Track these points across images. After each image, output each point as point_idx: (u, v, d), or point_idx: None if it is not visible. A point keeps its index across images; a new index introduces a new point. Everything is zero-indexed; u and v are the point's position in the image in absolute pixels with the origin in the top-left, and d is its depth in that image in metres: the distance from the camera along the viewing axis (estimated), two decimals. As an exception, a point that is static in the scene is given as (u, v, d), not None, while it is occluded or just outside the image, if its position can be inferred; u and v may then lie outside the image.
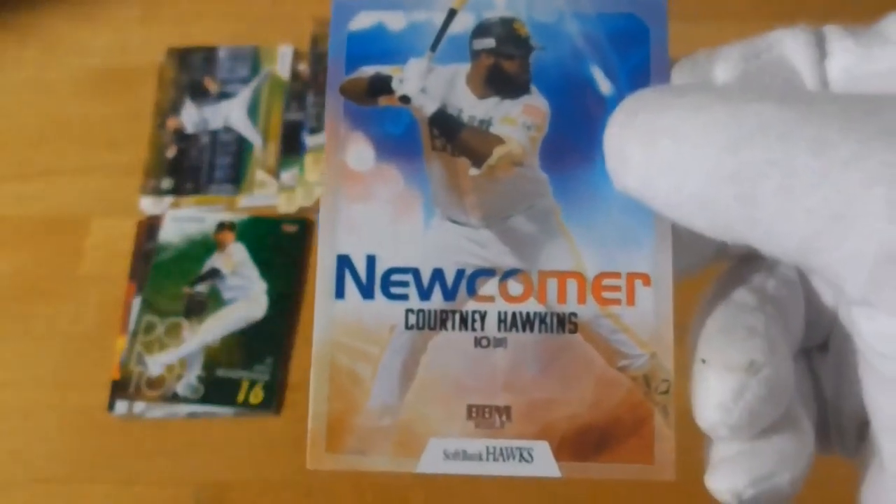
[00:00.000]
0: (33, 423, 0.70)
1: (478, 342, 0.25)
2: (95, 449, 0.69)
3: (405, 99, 0.26)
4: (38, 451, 0.69)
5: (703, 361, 0.22)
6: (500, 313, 0.25)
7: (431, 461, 0.25)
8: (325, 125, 0.26)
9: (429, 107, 0.26)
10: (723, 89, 0.22)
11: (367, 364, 0.26)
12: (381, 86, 0.26)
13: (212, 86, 0.89)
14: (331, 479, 0.68)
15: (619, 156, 0.20)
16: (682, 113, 0.19)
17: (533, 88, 0.26)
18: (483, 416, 0.25)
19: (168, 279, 0.76)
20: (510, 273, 0.25)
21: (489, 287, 0.26)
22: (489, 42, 0.26)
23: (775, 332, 0.22)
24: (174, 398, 0.70)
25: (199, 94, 0.88)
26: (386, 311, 0.26)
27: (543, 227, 0.25)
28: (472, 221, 0.26)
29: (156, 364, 0.72)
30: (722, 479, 0.23)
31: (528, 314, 0.25)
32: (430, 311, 0.26)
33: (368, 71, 0.26)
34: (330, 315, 0.26)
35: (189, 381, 0.71)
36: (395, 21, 0.26)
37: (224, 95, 0.88)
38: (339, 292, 0.26)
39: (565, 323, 0.25)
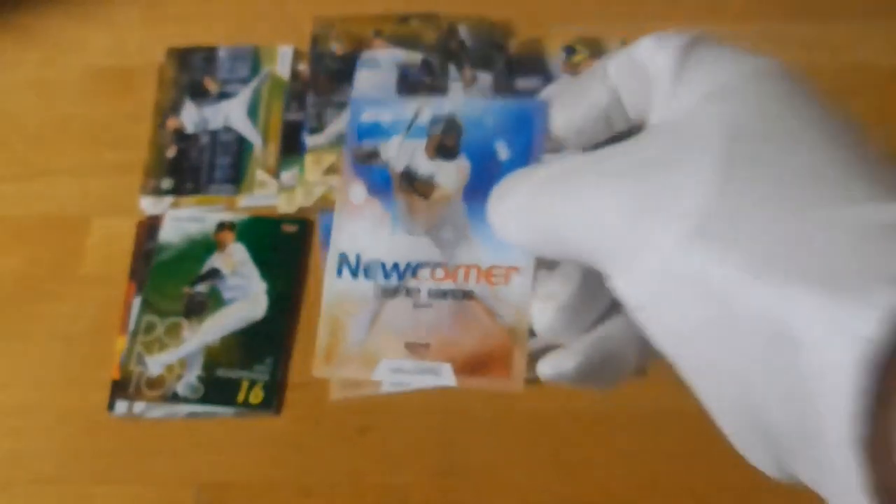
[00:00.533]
0: (33, 423, 0.70)
1: (415, 305, 0.44)
2: (95, 449, 0.69)
3: (386, 161, 0.46)
4: (38, 451, 0.69)
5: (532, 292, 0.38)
6: (429, 289, 0.44)
7: (380, 372, 0.43)
8: (342, 173, 0.46)
9: (399, 166, 0.46)
10: (543, 174, 0.37)
11: (349, 316, 0.45)
12: (373, 154, 0.46)
13: (212, 86, 0.89)
14: (331, 479, 0.68)
15: (489, 216, 0.39)
16: (515, 191, 0.38)
17: (461, 155, 0.45)
18: (413, 349, 0.44)
19: (168, 279, 0.76)
20: (437, 264, 0.44)
21: (424, 273, 0.44)
22: (438, 128, 0.46)
23: (577, 275, 0.35)
24: (174, 398, 0.70)
25: (199, 94, 0.88)
26: (363, 286, 0.45)
27: (459, 236, 0.44)
28: (419, 233, 0.45)
29: (156, 364, 0.72)
30: (540, 364, 0.37)
31: (446, 290, 0.44)
32: (388, 287, 0.44)
33: (368, 144, 0.46)
34: (332, 287, 0.45)
35: (189, 381, 0.71)
36: (385, 116, 0.47)
37: (224, 95, 0.88)
38: (339, 273, 0.46)
39: (468, 295, 0.43)
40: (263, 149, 0.84)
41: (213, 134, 0.85)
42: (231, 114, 0.86)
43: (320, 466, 0.68)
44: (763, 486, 0.69)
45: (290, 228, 0.80)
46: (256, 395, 0.70)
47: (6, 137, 0.86)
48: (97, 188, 0.82)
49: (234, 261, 0.77)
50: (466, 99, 0.54)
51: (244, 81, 0.89)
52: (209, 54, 0.91)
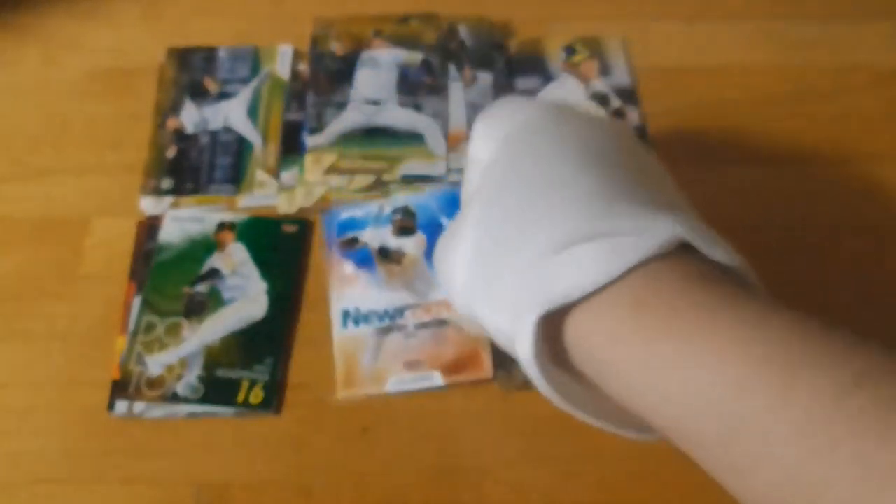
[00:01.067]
0: (33, 423, 0.70)
1: (406, 336, 0.69)
2: (95, 449, 0.69)
3: (365, 244, 0.74)
4: (38, 451, 0.69)
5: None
6: (414, 324, 0.70)
7: (389, 386, 0.68)
8: (328, 259, 0.75)
9: (375, 245, 0.74)
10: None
11: (359, 351, 0.70)
12: (354, 240, 0.75)
13: (212, 86, 0.89)
14: (331, 479, 0.68)
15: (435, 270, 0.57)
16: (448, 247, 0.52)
17: (419, 231, 0.74)
18: (410, 365, 0.69)
19: (168, 279, 0.76)
20: (417, 306, 0.70)
21: (409, 313, 0.70)
22: (398, 214, 0.75)
23: None
24: (174, 398, 0.70)
25: (199, 94, 0.88)
26: (365, 330, 0.70)
27: (428, 285, 0.71)
28: (399, 288, 0.72)
29: (156, 364, 0.72)
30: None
31: (427, 322, 0.70)
32: (384, 327, 0.70)
33: (349, 235, 0.75)
34: (340, 334, 0.71)
35: (189, 381, 0.71)
36: (358, 213, 0.76)
37: (224, 95, 0.88)
38: (344, 325, 0.71)
39: (443, 323, 0.70)
40: (263, 149, 0.84)
41: (213, 134, 0.85)
42: (231, 114, 0.86)
43: (320, 466, 0.68)
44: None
45: (290, 228, 0.80)
46: (256, 395, 0.70)
47: (6, 137, 0.86)
48: (97, 188, 0.82)
49: (234, 261, 0.77)
50: (414, 194, 0.79)
51: (244, 81, 0.89)
52: (209, 54, 0.91)
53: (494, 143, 0.50)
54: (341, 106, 0.86)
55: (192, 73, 0.90)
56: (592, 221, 0.41)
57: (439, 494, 0.67)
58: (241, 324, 0.74)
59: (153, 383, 0.71)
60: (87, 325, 0.74)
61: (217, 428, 0.70)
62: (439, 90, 0.87)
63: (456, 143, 0.84)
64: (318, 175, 0.82)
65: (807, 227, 0.79)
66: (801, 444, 0.33)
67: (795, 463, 0.33)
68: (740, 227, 0.82)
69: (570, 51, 0.91)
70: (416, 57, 0.89)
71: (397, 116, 0.85)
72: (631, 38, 0.93)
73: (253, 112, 0.87)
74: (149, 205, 0.81)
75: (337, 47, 0.90)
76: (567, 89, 0.88)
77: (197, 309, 0.74)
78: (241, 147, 0.84)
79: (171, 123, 0.86)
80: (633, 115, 0.86)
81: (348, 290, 0.75)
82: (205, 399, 0.70)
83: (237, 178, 0.82)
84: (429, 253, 0.75)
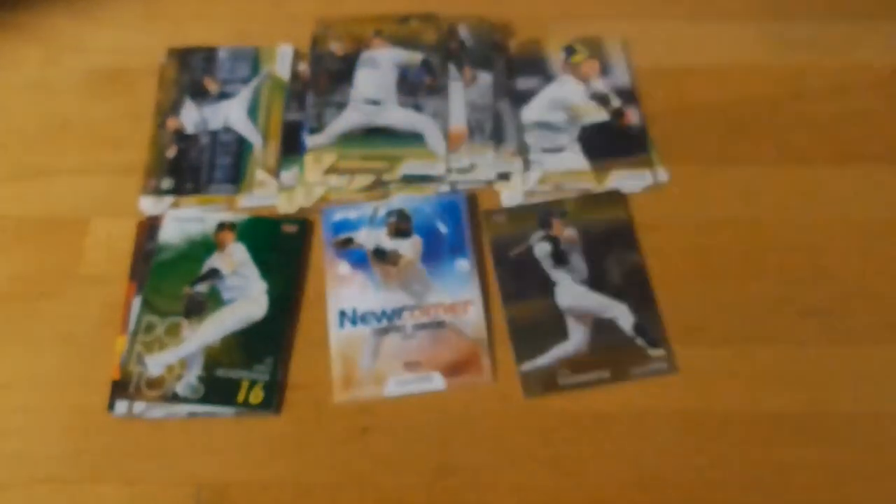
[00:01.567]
0: (33, 423, 0.70)
1: (404, 337, 0.74)
2: (95, 449, 0.69)
3: (359, 245, 0.79)
4: (38, 451, 0.69)
5: None
6: (412, 325, 0.74)
7: (389, 388, 0.71)
8: (325, 258, 0.78)
9: (370, 246, 0.79)
10: None
11: (357, 352, 0.73)
12: (348, 241, 0.79)
13: (212, 86, 0.88)
14: (331, 479, 0.68)
15: None
16: None
17: (414, 234, 0.79)
18: (410, 366, 0.72)
19: (168, 279, 0.76)
20: (414, 307, 0.75)
21: (406, 314, 0.75)
22: (394, 217, 0.80)
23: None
24: (174, 398, 0.70)
25: (199, 94, 0.88)
26: (363, 331, 0.74)
27: (425, 287, 0.76)
28: (395, 289, 0.76)
29: (156, 364, 0.71)
30: None
31: (424, 323, 0.74)
32: (382, 328, 0.74)
33: (343, 235, 0.80)
34: (337, 335, 0.74)
35: (189, 381, 0.71)
36: (351, 214, 0.81)
37: (224, 95, 0.88)
38: (341, 326, 0.74)
39: (440, 324, 0.74)
40: (263, 149, 0.84)
41: (213, 134, 0.85)
42: (231, 114, 0.86)
43: (320, 466, 0.68)
44: (760, 486, 0.69)
45: (290, 228, 0.80)
46: (256, 395, 0.70)
47: (6, 137, 0.86)
48: (97, 188, 0.82)
49: (234, 261, 0.77)
50: (409, 198, 0.81)
51: (244, 81, 0.89)
52: (209, 54, 0.91)
53: None
54: (341, 106, 0.86)
55: (192, 73, 0.90)
56: None
57: (439, 494, 0.67)
58: (241, 324, 0.74)
59: (153, 383, 0.71)
60: (88, 325, 0.74)
61: (217, 428, 0.70)
62: (439, 90, 0.87)
63: (456, 142, 0.84)
64: (318, 175, 0.82)
65: (806, 227, 0.79)
66: None
67: None
68: (740, 227, 0.82)
69: (570, 51, 0.91)
70: (416, 57, 0.89)
71: (397, 116, 0.85)
72: (631, 38, 0.93)
73: (253, 112, 0.87)
74: (149, 205, 0.81)
75: (337, 47, 0.90)
76: (567, 89, 0.88)
77: (197, 309, 0.74)
78: (241, 147, 0.84)
79: (171, 123, 0.86)
80: (633, 115, 0.86)
81: (344, 290, 0.76)
82: (205, 399, 0.70)
83: (237, 178, 0.82)
84: (426, 256, 0.77)
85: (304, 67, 0.90)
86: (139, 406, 0.70)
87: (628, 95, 0.87)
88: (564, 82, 0.89)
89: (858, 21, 0.94)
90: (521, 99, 0.87)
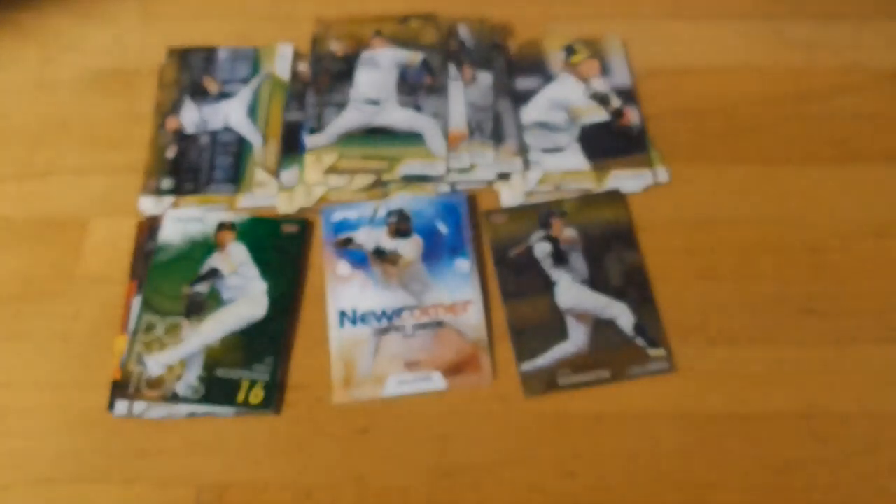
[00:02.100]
0: (33, 423, 0.70)
1: (404, 337, 0.73)
2: (95, 449, 0.69)
3: (359, 245, 0.79)
4: (38, 451, 0.69)
5: None
6: (412, 324, 0.74)
7: (389, 388, 0.71)
8: (325, 258, 0.78)
9: (369, 247, 0.78)
10: None
11: (357, 352, 0.73)
12: (348, 241, 0.79)
13: (212, 86, 0.88)
14: (331, 479, 0.68)
15: None
16: None
17: (414, 234, 0.78)
18: (410, 365, 0.72)
19: (168, 279, 0.76)
20: (414, 307, 0.75)
21: (406, 314, 0.75)
22: (394, 217, 0.79)
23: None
24: (174, 398, 0.70)
25: (199, 94, 0.88)
26: (363, 330, 0.74)
27: (425, 286, 0.76)
28: (395, 289, 0.76)
29: (156, 364, 0.72)
30: None
31: (424, 323, 0.74)
32: (381, 328, 0.74)
33: (343, 235, 0.79)
34: (337, 335, 0.74)
35: (189, 381, 0.71)
36: (351, 214, 0.80)
37: (224, 95, 0.88)
38: (341, 325, 0.74)
39: (440, 324, 0.74)
40: (263, 149, 0.84)
41: (213, 134, 0.85)
42: (231, 114, 0.86)
43: (320, 466, 0.68)
44: (761, 486, 0.69)
45: (290, 228, 0.80)
46: (256, 395, 0.70)
47: (6, 137, 0.86)
48: (97, 188, 0.82)
49: (234, 261, 0.77)
50: (409, 198, 0.81)
51: (244, 81, 0.89)
52: (209, 54, 0.91)
53: None
54: (341, 106, 0.86)
55: (192, 73, 0.90)
56: None
57: (439, 494, 0.67)
58: (241, 324, 0.74)
59: (153, 383, 0.71)
60: (87, 325, 0.74)
61: (217, 428, 0.70)
62: (439, 90, 0.87)
63: (456, 142, 0.84)
64: (318, 175, 0.82)
65: (806, 227, 0.79)
66: None
67: None
68: (740, 226, 0.82)
69: (570, 51, 0.91)
70: (416, 57, 0.89)
71: (397, 116, 0.85)
72: (631, 38, 0.93)
73: (253, 112, 0.87)
74: (149, 205, 0.81)
75: (337, 47, 0.90)
76: (567, 89, 0.88)
77: (197, 309, 0.74)
78: (241, 147, 0.84)
79: (171, 123, 0.86)
80: (632, 115, 0.86)
81: (344, 290, 0.76)
82: (205, 399, 0.70)
83: (237, 177, 0.82)
84: (426, 256, 0.77)
85: (304, 67, 0.90)
86: (139, 406, 0.70)
87: (628, 95, 0.87)
88: (564, 82, 0.89)
89: (858, 21, 0.94)
90: (521, 99, 0.87)
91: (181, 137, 0.85)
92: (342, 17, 0.93)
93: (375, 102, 0.86)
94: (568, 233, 0.78)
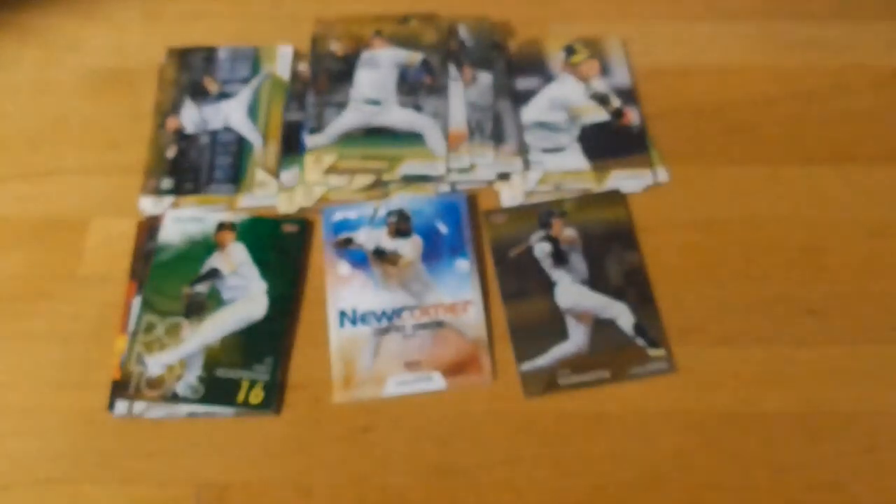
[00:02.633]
0: (33, 423, 0.70)
1: (404, 337, 0.73)
2: (95, 449, 0.69)
3: (359, 245, 0.78)
4: (38, 451, 0.69)
5: None
6: (412, 324, 0.74)
7: (389, 388, 0.71)
8: (325, 258, 0.78)
9: (369, 247, 0.78)
10: None
11: (357, 352, 0.73)
12: (348, 241, 0.79)
13: (212, 86, 0.89)
14: (331, 479, 0.68)
15: None
16: None
17: (414, 234, 0.78)
18: (410, 365, 0.72)
19: (168, 279, 0.76)
20: (414, 307, 0.75)
21: (406, 314, 0.75)
22: (394, 217, 0.79)
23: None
24: (174, 398, 0.70)
25: (199, 94, 0.88)
26: (363, 330, 0.74)
27: (425, 287, 0.76)
28: (395, 289, 0.76)
29: (156, 364, 0.72)
30: None
31: (424, 323, 0.74)
32: (381, 328, 0.74)
33: (343, 235, 0.79)
34: (337, 335, 0.74)
35: (189, 381, 0.71)
36: (351, 214, 0.80)
37: (224, 95, 0.88)
38: (341, 325, 0.74)
39: (440, 324, 0.74)
40: (263, 149, 0.84)
41: (213, 134, 0.85)
42: (231, 114, 0.86)
43: (320, 466, 0.68)
44: (761, 487, 0.69)
45: (290, 228, 0.80)
46: (256, 395, 0.70)
47: (6, 137, 0.86)
48: (97, 188, 0.82)
49: (234, 261, 0.77)
50: (409, 198, 0.81)
51: (244, 81, 0.89)
52: (209, 54, 0.91)
53: None
54: (341, 106, 0.86)
55: (192, 73, 0.90)
56: None
57: (439, 494, 0.67)
58: (241, 324, 0.74)
59: (153, 383, 0.71)
60: (88, 325, 0.74)
61: (217, 428, 0.70)
62: (439, 90, 0.87)
63: (456, 142, 0.84)
64: (318, 175, 0.82)
65: (806, 227, 0.79)
66: None
67: None
68: (740, 226, 0.82)
69: (570, 51, 0.91)
70: (416, 57, 0.89)
71: (397, 116, 0.85)
72: (631, 38, 0.93)
73: (253, 112, 0.87)
74: (149, 205, 0.81)
75: (337, 47, 0.90)
76: (567, 89, 0.88)
77: (197, 309, 0.74)
78: (241, 147, 0.84)
79: (171, 123, 0.86)
80: (632, 115, 0.86)
81: (344, 290, 0.76)
82: (205, 399, 0.70)
83: (237, 178, 0.82)
84: (426, 256, 0.77)
85: (304, 67, 0.90)
86: (139, 406, 0.70)
87: (628, 95, 0.87)
88: (564, 82, 0.89)
89: (858, 21, 0.94)
90: (521, 99, 0.87)
91: (181, 137, 0.85)
92: (342, 17, 0.93)
93: (375, 102, 0.86)
94: (568, 233, 0.78)
